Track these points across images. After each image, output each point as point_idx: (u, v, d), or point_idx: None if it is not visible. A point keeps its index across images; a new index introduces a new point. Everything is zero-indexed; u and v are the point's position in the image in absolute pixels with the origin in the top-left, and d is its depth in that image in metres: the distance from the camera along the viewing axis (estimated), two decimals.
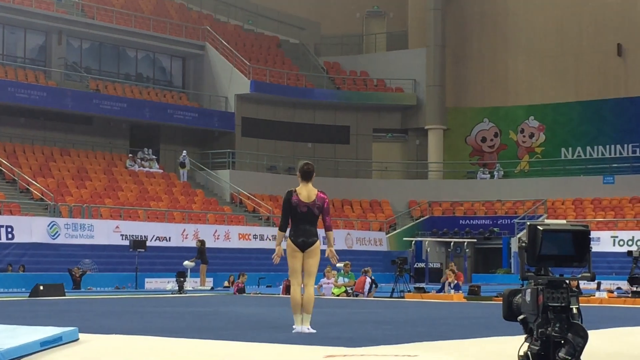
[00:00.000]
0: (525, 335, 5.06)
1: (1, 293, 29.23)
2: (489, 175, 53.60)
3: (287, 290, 28.71)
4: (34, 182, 39.73)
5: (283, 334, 11.83)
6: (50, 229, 35.68)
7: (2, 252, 34.17)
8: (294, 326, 12.04)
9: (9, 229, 34.67)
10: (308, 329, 11.89)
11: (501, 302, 5.17)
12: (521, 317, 5.02)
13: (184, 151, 46.71)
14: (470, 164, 55.32)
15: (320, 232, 12.01)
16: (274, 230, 43.01)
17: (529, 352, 4.99)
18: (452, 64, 55.39)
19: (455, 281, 27.84)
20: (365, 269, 29.19)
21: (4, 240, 34.44)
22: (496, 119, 55.32)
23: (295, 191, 12.02)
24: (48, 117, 45.14)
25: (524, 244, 4.98)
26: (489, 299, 24.39)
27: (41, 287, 25.03)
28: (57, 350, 9.51)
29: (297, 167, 12.30)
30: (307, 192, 12.04)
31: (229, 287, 35.76)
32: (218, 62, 51.08)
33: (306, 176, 12.10)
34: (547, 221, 5.18)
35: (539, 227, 4.96)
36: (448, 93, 55.00)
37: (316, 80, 54.96)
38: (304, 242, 11.98)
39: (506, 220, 48.64)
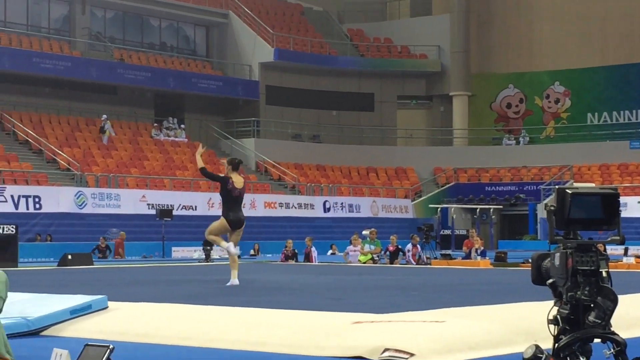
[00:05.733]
0: (554, 300, 5.04)
1: (30, 262, 29.43)
2: (514, 142, 53.42)
3: (285, 258, 28.64)
4: (60, 152, 39.88)
5: (310, 301, 11.87)
6: (77, 198, 35.86)
7: (30, 222, 34.37)
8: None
9: (37, 199, 34.89)
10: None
11: (528, 268, 5.16)
12: (550, 280, 5.00)
13: (104, 115, 44.43)
14: (495, 130, 55.14)
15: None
16: (300, 198, 43.30)
17: (558, 316, 4.98)
18: (477, 29, 55.07)
19: (482, 248, 27.81)
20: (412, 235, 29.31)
21: (32, 210, 34.67)
22: (521, 85, 55.03)
23: (231, 178, 14.78)
24: (73, 87, 45.25)
25: (552, 208, 4.95)
26: (515, 265, 24.34)
27: (69, 257, 25.23)
28: (86, 318, 9.58)
29: (227, 161, 15.35)
30: (237, 180, 14.91)
31: (255, 255, 35.88)
32: (242, 30, 50.99)
33: (236, 167, 15.12)
34: (575, 184, 5.16)
35: (567, 190, 4.94)
36: (472, 59, 54.73)
37: (340, 47, 54.79)
38: (236, 221, 14.92)
39: (532, 187, 48.47)
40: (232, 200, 14.79)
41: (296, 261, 28.40)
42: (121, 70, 45.28)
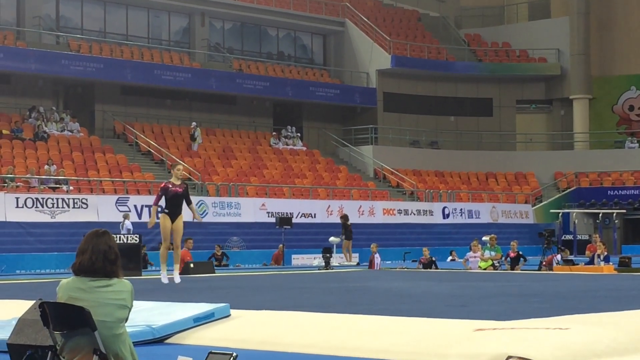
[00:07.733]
0: None
1: (154, 271, 29.89)
2: (637, 145, 52.33)
3: (423, 266, 28.85)
4: (181, 162, 40.41)
5: (431, 308, 11.82)
6: (199, 207, 36.22)
7: (154, 231, 34.74)
8: (162, 274, 18.82)
9: (159, 209, 35.39)
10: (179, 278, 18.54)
11: None
12: None
13: (194, 123, 44.07)
14: (617, 133, 54.10)
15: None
16: (419, 205, 43.19)
17: None
18: (597, 31, 54.12)
19: (605, 253, 27.31)
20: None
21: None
22: None
23: (170, 182, 18.96)
24: (193, 98, 45.93)
25: None
26: None
27: (191, 265, 25.60)
28: (210, 326, 9.71)
29: (174, 167, 19.68)
30: (176, 182, 18.96)
31: None
32: (358, 38, 51.12)
33: (177, 174, 19.14)
34: None
35: None
36: (593, 61, 53.79)
37: (457, 53, 54.48)
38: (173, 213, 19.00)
39: None
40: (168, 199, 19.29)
41: (436, 268, 28.46)
42: (240, 80, 45.79)
